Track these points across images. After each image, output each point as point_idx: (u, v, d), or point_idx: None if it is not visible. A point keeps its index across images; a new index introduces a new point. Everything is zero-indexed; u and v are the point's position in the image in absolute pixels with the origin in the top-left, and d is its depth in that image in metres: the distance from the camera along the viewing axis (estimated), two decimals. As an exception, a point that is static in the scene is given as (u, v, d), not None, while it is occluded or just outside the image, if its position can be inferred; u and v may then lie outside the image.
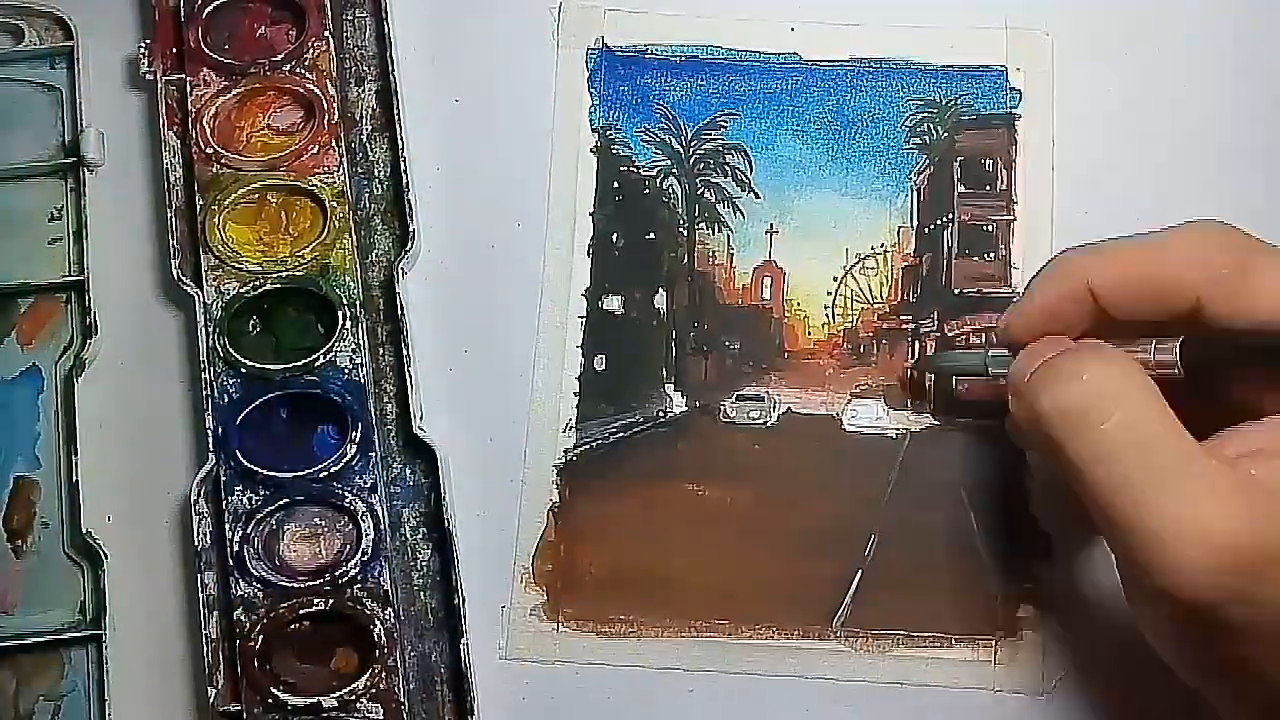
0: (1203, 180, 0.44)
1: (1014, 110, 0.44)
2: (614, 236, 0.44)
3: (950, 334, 0.44)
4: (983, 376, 0.40)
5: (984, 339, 0.43)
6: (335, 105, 0.43)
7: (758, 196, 0.44)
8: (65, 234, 0.43)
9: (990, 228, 0.44)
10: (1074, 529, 0.41)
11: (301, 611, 0.39)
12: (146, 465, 0.42)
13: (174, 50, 0.44)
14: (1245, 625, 0.30)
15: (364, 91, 0.45)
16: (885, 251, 0.44)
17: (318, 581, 0.39)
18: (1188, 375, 0.34)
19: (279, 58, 0.44)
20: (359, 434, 0.40)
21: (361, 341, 0.41)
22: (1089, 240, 0.42)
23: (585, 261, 0.44)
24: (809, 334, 0.44)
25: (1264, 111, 0.44)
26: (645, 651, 0.41)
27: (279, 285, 0.42)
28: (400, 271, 0.42)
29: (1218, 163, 0.44)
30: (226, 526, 0.40)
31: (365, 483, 0.40)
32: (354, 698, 0.39)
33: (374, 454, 0.40)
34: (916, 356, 0.43)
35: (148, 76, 0.44)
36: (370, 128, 0.44)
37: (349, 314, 0.41)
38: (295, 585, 0.39)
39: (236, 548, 0.40)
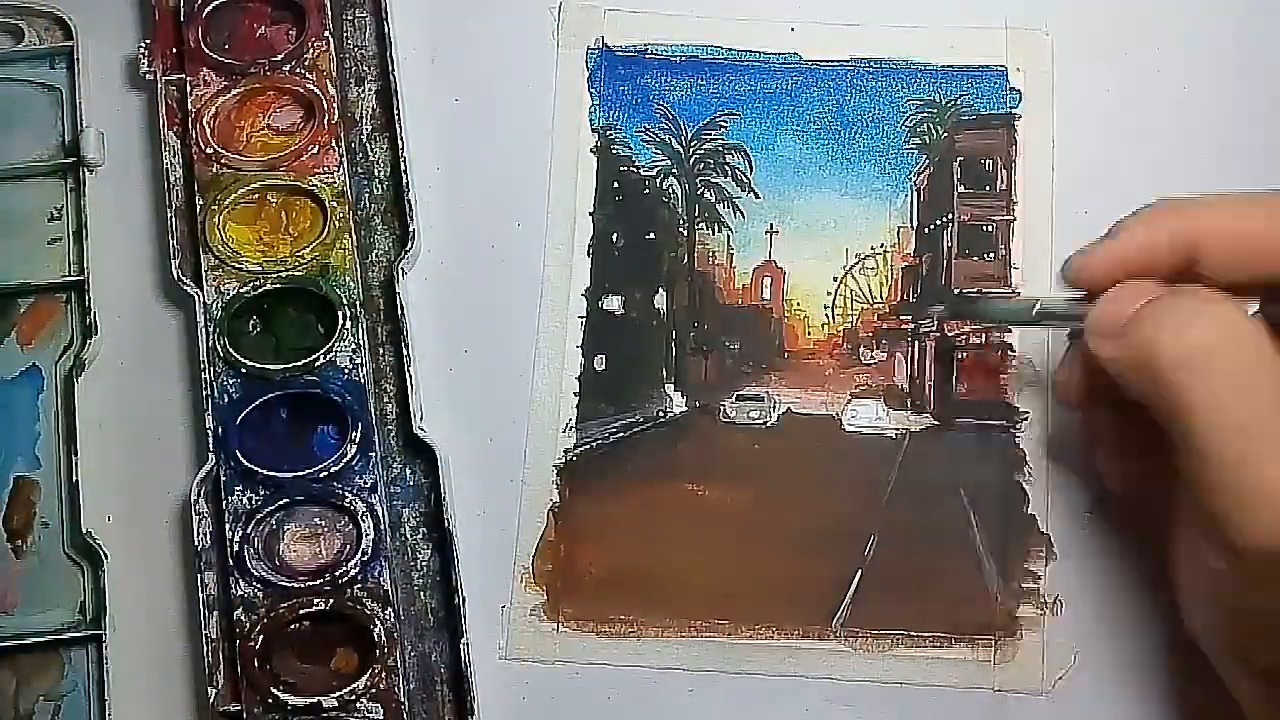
0: (1203, 180, 0.43)
1: (1014, 110, 0.44)
2: (614, 236, 0.45)
3: (950, 334, 0.44)
4: (1024, 325, 0.40)
5: (984, 338, 0.43)
6: (335, 105, 0.43)
7: (758, 196, 0.45)
8: (65, 234, 0.44)
9: (990, 228, 0.44)
10: (1074, 528, 0.42)
11: (301, 611, 0.40)
12: (146, 465, 0.43)
13: (174, 50, 0.44)
14: None
15: (364, 91, 0.45)
16: (885, 251, 0.44)
17: (318, 581, 0.40)
18: None
19: (279, 57, 0.44)
20: (359, 434, 0.41)
21: (361, 341, 0.42)
22: (1090, 241, 0.43)
23: (585, 261, 0.44)
24: (809, 334, 0.44)
25: (1264, 111, 0.44)
26: (645, 651, 0.41)
27: (279, 285, 0.42)
28: (400, 271, 0.43)
29: (1218, 163, 0.44)
30: (226, 526, 0.40)
31: (365, 483, 0.41)
32: (354, 698, 0.39)
33: (374, 454, 0.41)
34: (921, 303, 0.43)
35: (148, 76, 0.44)
36: (370, 128, 0.45)
37: (349, 314, 0.42)
38: (295, 585, 0.40)
39: (236, 548, 0.40)
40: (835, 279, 0.44)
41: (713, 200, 0.45)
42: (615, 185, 0.45)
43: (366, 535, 0.40)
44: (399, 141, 0.43)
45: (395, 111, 0.44)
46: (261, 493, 0.40)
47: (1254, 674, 0.34)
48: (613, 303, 0.44)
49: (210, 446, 0.41)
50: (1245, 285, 0.34)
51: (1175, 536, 0.35)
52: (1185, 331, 0.32)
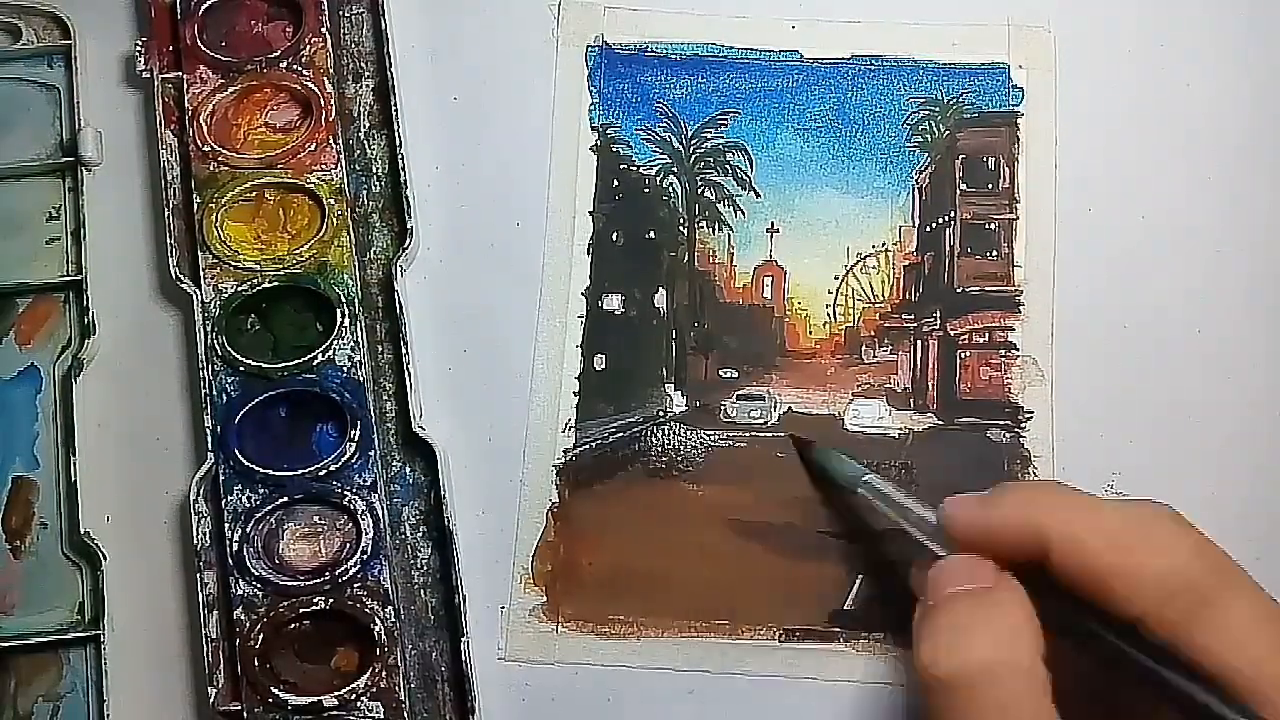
0: (1205, 178, 0.46)
1: (1016, 108, 0.47)
2: (614, 235, 0.47)
3: (953, 333, 0.46)
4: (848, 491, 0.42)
5: (986, 338, 0.46)
6: (332, 102, 0.46)
7: (758, 195, 0.47)
8: (63, 233, 0.46)
9: (992, 226, 0.46)
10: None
11: (301, 610, 0.42)
12: (145, 465, 0.45)
13: (170, 48, 0.46)
14: None
15: (361, 88, 0.47)
16: (887, 250, 0.47)
17: (317, 580, 0.42)
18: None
19: (275, 54, 0.46)
20: (358, 432, 0.43)
21: (360, 339, 0.44)
22: (1093, 239, 0.45)
23: (585, 260, 0.46)
24: (810, 333, 0.46)
25: (1267, 108, 0.47)
26: (645, 651, 0.44)
27: (277, 283, 0.44)
28: (399, 269, 0.45)
29: (1220, 160, 0.46)
30: (226, 526, 0.42)
31: (365, 481, 0.43)
32: (354, 697, 0.41)
33: (373, 452, 0.43)
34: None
35: (144, 74, 0.46)
36: (368, 124, 0.47)
37: (347, 312, 0.44)
38: (295, 584, 0.42)
39: (236, 547, 0.42)
40: (837, 278, 0.46)
41: (713, 199, 0.47)
42: (615, 184, 0.47)
43: (366, 534, 0.42)
44: (397, 138, 0.45)
45: (393, 108, 0.46)
46: (261, 491, 0.42)
47: None
48: (612, 302, 0.46)
49: (209, 445, 0.43)
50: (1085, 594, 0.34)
51: None
52: (943, 660, 0.33)
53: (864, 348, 0.46)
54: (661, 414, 0.46)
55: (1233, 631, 0.32)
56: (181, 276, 0.44)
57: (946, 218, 0.47)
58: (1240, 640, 0.32)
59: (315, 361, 0.43)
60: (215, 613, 0.42)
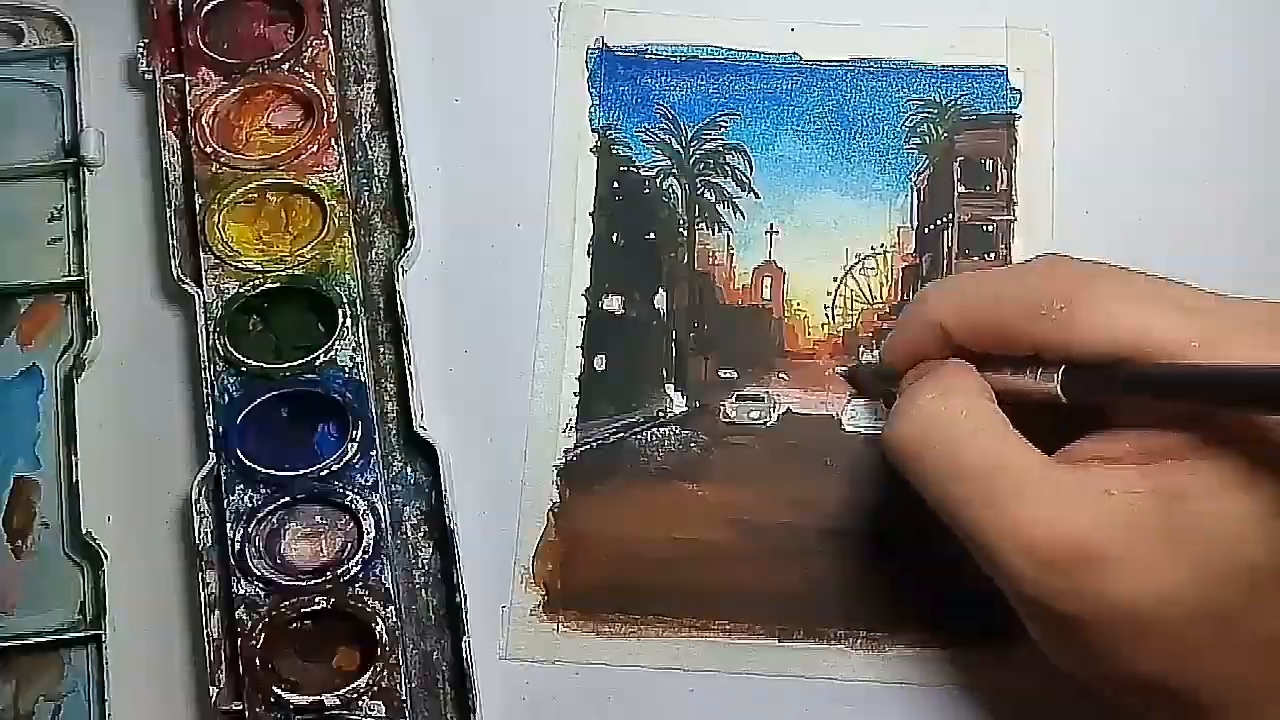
0: (1203, 180, 0.46)
1: (1014, 110, 0.47)
2: (614, 236, 0.47)
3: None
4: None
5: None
6: (334, 104, 0.46)
7: (758, 196, 0.47)
8: (65, 234, 0.46)
9: (990, 228, 0.46)
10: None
11: (303, 610, 0.42)
12: (147, 465, 0.45)
13: (173, 49, 0.46)
14: (1088, 619, 0.33)
15: (363, 90, 0.47)
16: (885, 252, 0.47)
17: (319, 580, 0.42)
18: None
19: (277, 56, 0.46)
20: (359, 432, 0.43)
21: (362, 340, 0.44)
22: (1090, 241, 0.45)
23: (585, 261, 0.46)
24: (809, 334, 0.46)
25: (1264, 110, 0.47)
26: (645, 651, 0.44)
27: (279, 284, 0.44)
28: (400, 270, 0.45)
29: (1218, 162, 0.46)
30: (227, 526, 0.42)
31: (366, 481, 0.43)
32: (356, 696, 0.41)
33: (374, 452, 0.43)
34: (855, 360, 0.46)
35: (146, 76, 0.46)
36: (369, 126, 0.47)
37: (349, 312, 0.44)
38: (297, 584, 0.42)
39: (237, 547, 0.42)
40: (835, 279, 0.47)
41: (713, 200, 0.47)
42: (615, 185, 0.47)
43: (367, 534, 0.42)
44: (398, 140, 0.46)
45: (394, 110, 0.46)
46: (262, 491, 0.43)
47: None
48: (613, 303, 0.46)
49: (211, 446, 0.43)
50: (998, 356, 0.37)
51: None
52: (896, 430, 0.37)
53: (862, 349, 0.46)
54: (661, 414, 0.46)
55: (1100, 312, 0.34)
56: (184, 277, 0.45)
57: (944, 219, 0.47)
58: (1113, 314, 0.34)
59: (317, 362, 0.43)
60: (217, 612, 0.42)
